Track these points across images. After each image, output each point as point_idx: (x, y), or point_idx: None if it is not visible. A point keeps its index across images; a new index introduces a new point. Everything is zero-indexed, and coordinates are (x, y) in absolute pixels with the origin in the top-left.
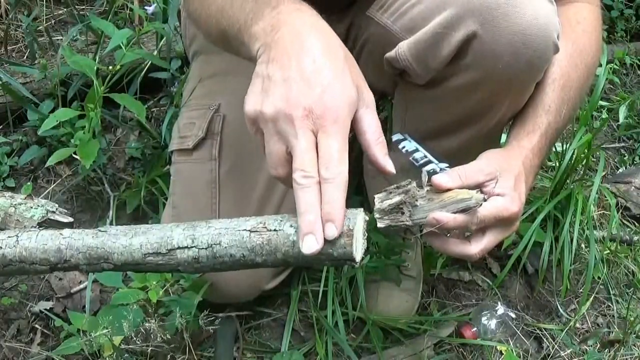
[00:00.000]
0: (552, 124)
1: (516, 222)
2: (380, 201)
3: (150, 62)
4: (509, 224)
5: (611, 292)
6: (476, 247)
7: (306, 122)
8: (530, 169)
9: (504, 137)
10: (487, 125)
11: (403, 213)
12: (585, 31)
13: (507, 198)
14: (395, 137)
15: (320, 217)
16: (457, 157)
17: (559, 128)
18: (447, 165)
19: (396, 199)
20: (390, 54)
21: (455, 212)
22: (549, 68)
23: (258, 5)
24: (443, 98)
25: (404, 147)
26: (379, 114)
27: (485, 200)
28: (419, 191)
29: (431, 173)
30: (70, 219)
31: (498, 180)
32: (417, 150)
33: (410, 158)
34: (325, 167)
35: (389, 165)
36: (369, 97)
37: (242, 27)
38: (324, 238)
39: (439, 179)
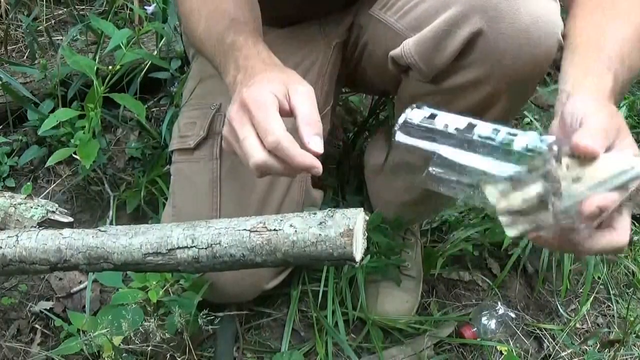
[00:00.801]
0: (619, 71)
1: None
2: (502, 195)
3: (150, 62)
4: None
5: (611, 292)
6: (624, 232)
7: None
8: None
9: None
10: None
11: (547, 207)
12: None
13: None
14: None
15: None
16: None
17: (624, 82)
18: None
19: (535, 188)
20: (396, 51)
21: (611, 190)
22: (581, 28)
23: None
24: (446, 95)
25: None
26: (380, 112)
27: None
28: (560, 171)
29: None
30: (70, 219)
31: (624, 143)
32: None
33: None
34: (264, 137)
35: (312, 143)
36: (304, 88)
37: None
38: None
39: (587, 141)
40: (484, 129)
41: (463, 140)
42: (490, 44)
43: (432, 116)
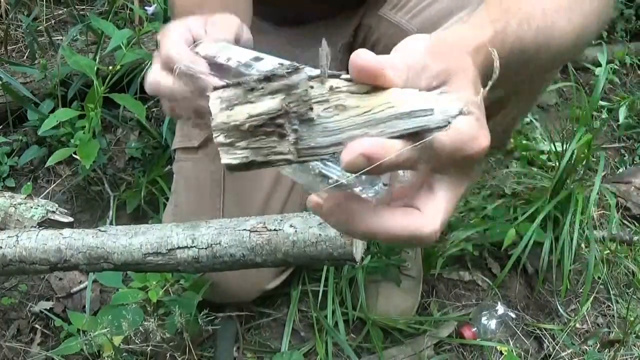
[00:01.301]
0: (515, 27)
1: (476, 167)
2: (226, 105)
3: (150, 62)
4: (469, 167)
5: (611, 292)
6: (431, 217)
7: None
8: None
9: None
10: (501, 123)
11: (283, 135)
12: None
13: (472, 119)
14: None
15: None
16: None
17: (526, 43)
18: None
19: (267, 103)
20: None
21: (395, 137)
22: None
23: None
24: None
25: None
26: None
27: (461, 113)
28: (313, 88)
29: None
30: (70, 219)
31: (453, 88)
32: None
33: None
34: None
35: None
36: (219, 16)
37: None
38: None
39: (367, 58)
40: (267, 63)
41: (236, 74)
42: None
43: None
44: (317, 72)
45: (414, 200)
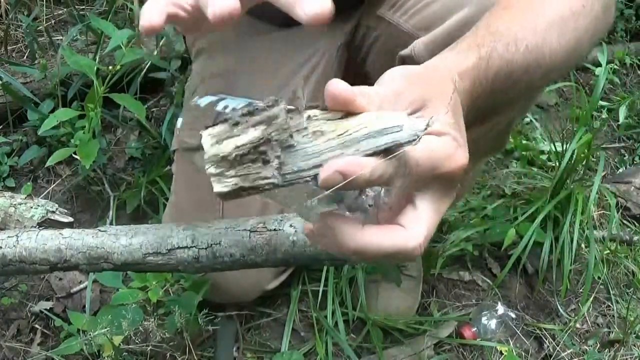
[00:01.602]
0: (500, 50)
1: (457, 184)
2: (215, 140)
3: (150, 62)
4: (449, 184)
5: (611, 292)
6: (416, 232)
7: None
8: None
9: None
10: (499, 124)
11: (267, 162)
12: None
13: (448, 139)
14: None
15: None
16: None
17: (513, 64)
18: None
19: (250, 134)
20: (406, 51)
21: (370, 155)
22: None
23: None
24: None
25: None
26: None
27: (428, 126)
28: (292, 118)
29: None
30: (70, 219)
31: (428, 113)
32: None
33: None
34: None
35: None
36: None
37: None
38: None
39: (339, 87)
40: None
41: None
42: None
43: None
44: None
45: (399, 218)
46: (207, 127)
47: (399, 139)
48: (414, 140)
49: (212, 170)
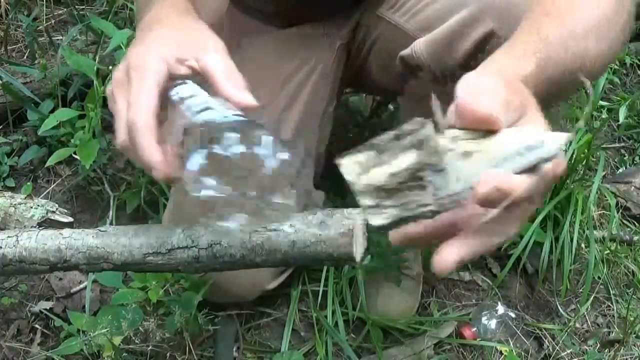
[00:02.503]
0: (553, 57)
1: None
2: (363, 171)
3: None
4: (545, 191)
5: (611, 292)
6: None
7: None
8: None
9: None
10: None
11: (424, 187)
12: None
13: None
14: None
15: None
16: None
17: (562, 70)
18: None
19: (406, 160)
20: (406, 51)
21: (518, 173)
22: (539, 6)
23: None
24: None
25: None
26: (381, 113)
27: (568, 140)
28: (441, 141)
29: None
30: (70, 219)
31: (527, 120)
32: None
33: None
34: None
35: (245, 97)
36: (214, 43)
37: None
38: None
39: (481, 102)
40: (214, 113)
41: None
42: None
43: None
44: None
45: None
46: (345, 154)
47: (544, 155)
48: (557, 154)
49: (367, 202)
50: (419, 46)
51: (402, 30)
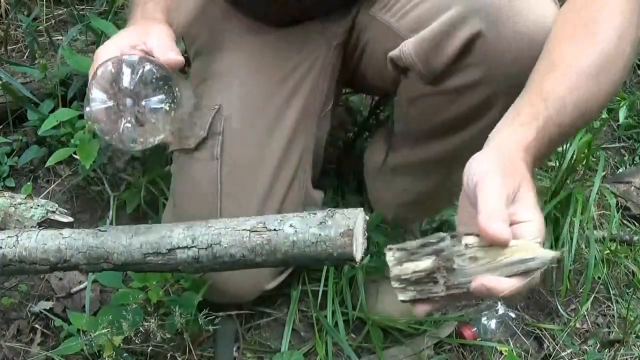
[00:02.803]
0: (553, 117)
1: None
2: (398, 262)
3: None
4: (528, 290)
5: (611, 292)
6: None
7: None
8: None
9: None
10: (487, 123)
11: (436, 282)
12: (611, 16)
13: (536, 224)
14: None
15: None
16: (455, 158)
17: (563, 125)
18: None
19: (425, 263)
20: (395, 52)
21: (508, 276)
22: (546, 56)
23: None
24: (446, 96)
25: None
26: (380, 112)
27: (559, 258)
28: (455, 248)
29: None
30: (70, 219)
31: (520, 196)
32: None
33: None
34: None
35: (170, 55)
36: (157, 31)
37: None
38: None
39: (496, 229)
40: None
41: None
42: (490, 46)
43: None
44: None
45: None
46: (390, 249)
47: (532, 267)
48: (543, 267)
49: (396, 285)
50: (407, 47)
51: (393, 31)
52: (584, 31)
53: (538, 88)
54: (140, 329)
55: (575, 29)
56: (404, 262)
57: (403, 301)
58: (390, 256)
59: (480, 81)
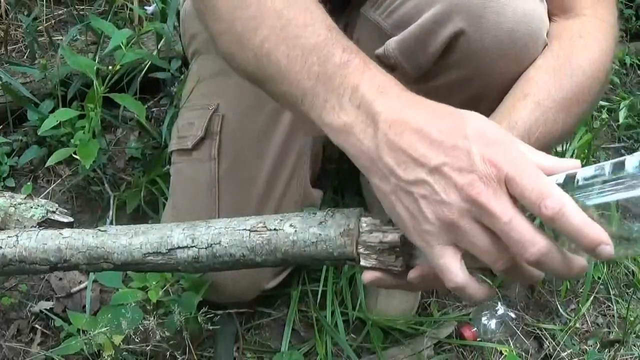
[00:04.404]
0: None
1: None
2: (369, 231)
3: (150, 62)
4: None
5: (611, 292)
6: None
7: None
8: None
9: None
10: None
11: (398, 257)
12: (587, 47)
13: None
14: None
15: None
16: None
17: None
18: None
19: (394, 236)
20: (379, 50)
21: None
22: (523, 82)
23: (326, 85)
24: (434, 94)
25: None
26: None
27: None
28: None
29: None
30: (70, 219)
31: None
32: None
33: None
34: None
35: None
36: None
37: (308, 106)
38: None
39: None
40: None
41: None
42: (473, 44)
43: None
44: None
45: None
46: (366, 217)
47: None
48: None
49: (361, 250)
50: (391, 45)
51: (380, 29)
52: (564, 62)
53: (508, 114)
54: (140, 328)
55: (556, 60)
56: (374, 232)
57: (363, 267)
58: (364, 222)
59: (467, 78)
